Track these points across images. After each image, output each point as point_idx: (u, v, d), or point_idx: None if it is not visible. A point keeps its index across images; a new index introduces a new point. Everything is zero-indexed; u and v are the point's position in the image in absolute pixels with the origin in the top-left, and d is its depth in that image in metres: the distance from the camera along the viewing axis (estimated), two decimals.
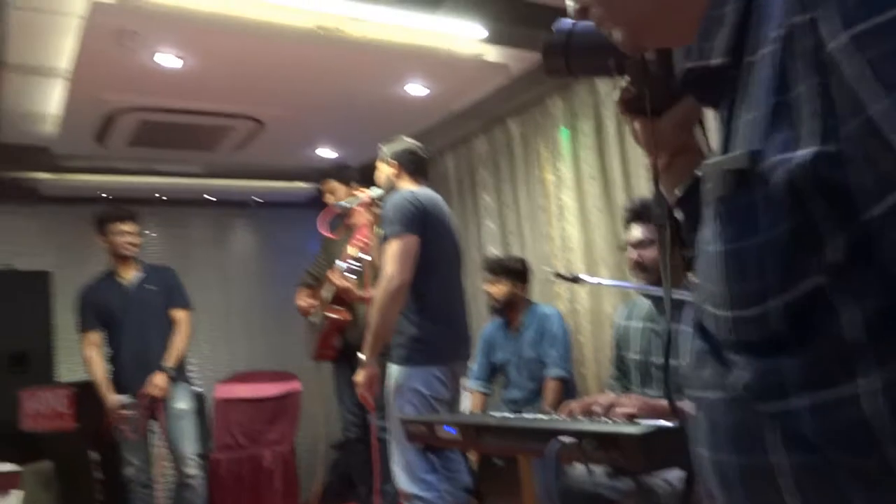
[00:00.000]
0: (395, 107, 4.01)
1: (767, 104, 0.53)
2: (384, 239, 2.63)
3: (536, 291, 3.78)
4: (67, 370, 4.60)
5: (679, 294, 1.97)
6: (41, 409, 3.47)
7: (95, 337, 3.67)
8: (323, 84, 3.67)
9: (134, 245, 3.72)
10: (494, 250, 4.39)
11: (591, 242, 3.72)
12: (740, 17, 0.60)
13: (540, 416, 1.92)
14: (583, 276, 1.84)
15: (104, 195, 4.98)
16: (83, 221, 4.97)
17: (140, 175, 4.82)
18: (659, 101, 0.87)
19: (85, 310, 3.71)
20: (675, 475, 1.75)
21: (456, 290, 2.80)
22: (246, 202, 5.49)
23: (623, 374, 2.28)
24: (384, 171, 2.84)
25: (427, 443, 1.96)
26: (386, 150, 2.86)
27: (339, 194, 3.80)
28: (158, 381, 3.56)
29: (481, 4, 3.12)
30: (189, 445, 3.62)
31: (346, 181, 3.84)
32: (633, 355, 2.17)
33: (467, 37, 3.26)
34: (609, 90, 3.58)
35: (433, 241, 2.62)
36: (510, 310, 3.54)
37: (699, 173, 0.88)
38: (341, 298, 3.63)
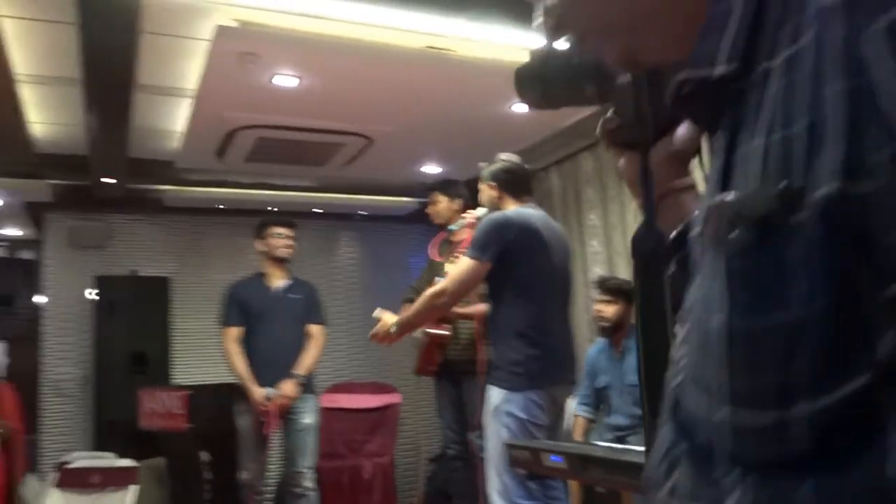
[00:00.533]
0: (502, 124, 4.00)
1: (801, 123, 0.38)
2: None
3: None
4: (182, 373, 4.85)
5: None
6: (157, 408, 3.66)
7: (236, 332, 3.79)
8: (431, 102, 3.71)
9: (289, 248, 3.87)
10: (599, 271, 4.29)
11: None
12: (753, 7, 0.44)
13: None
14: None
15: (221, 207, 5.24)
16: (201, 231, 5.28)
17: (255, 189, 5.03)
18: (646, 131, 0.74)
19: (231, 305, 3.85)
20: None
21: (558, 311, 2.73)
22: (352, 215, 5.64)
23: None
24: (486, 192, 2.81)
25: (530, 470, 1.93)
26: (484, 172, 2.83)
27: (441, 207, 3.83)
28: (289, 389, 3.64)
29: None
30: (308, 459, 3.67)
31: (451, 195, 3.86)
32: None
33: None
34: None
35: (526, 263, 2.57)
36: (617, 332, 3.45)
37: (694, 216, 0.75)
38: (442, 315, 3.64)
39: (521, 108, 3.82)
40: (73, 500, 3.62)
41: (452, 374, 3.69)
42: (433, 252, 3.58)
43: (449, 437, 3.76)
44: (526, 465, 1.90)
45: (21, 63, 3.29)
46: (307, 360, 3.76)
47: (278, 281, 3.91)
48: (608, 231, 4.27)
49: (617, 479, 1.62)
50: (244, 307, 3.81)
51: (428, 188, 3.95)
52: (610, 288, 3.46)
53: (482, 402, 3.20)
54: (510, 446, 1.98)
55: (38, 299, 5.06)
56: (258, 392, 3.61)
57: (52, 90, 3.61)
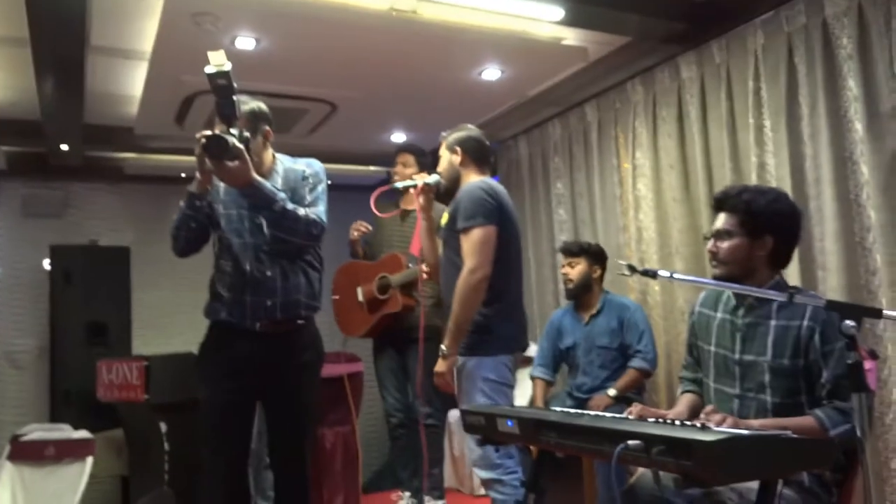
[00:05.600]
0: (470, 91, 3.94)
1: None
2: (456, 230, 2.56)
3: (608, 282, 3.67)
4: (142, 343, 4.77)
5: (763, 292, 1.84)
6: (115, 379, 3.58)
7: None
8: (397, 67, 3.63)
9: None
10: (565, 240, 4.27)
11: (667, 234, 3.56)
12: None
13: (604, 413, 1.83)
14: (661, 271, 1.73)
15: (183, 175, 5.12)
16: (162, 200, 5.15)
17: None
18: None
19: None
20: (748, 487, 1.63)
21: (521, 280, 2.75)
22: None
23: (696, 363, 2.16)
24: (447, 158, 2.77)
25: (485, 435, 1.90)
26: (450, 138, 2.79)
27: (412, 171, 3.77)
28: None
29: None
30: None
31: (421, 162, 3.80)
32: (711, 347, 2.06)
33: (544, 18, 3.16)
34: (692, 75, 3.41)
35: (505, 233, 2.58)
36: (584, 293, 3.49)
37: None
38: (411, 285, 3.58)
39: (489, 74, 3.77)
40: (26, 474, 3.54)
41: (398, 340, 3.63)
42: (373, 203, 3.26)
43: (392, 406, 3.72)
44: (480, 430, 1.88)
45: None
46: None
47: None
48: (575, 199, 4.25)
49: (571, 444, 1.60)
50: None
51: (399, 150, 3.87)
52: (571, 248, 3.53)
53: (424, 369, 3.15)
54: (465, 412, 1.95)
55: None
56: None
57: (0, 51, 3.46)
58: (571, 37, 3.45)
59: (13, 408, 4.64)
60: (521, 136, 4.73)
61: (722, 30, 3.24)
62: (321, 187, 2.61)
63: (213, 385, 2.49)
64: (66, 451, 3.60)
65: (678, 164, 3.50)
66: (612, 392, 3.27)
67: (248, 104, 2.51)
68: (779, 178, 2.97)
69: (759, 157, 3.06)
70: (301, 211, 2.45)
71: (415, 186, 2.81)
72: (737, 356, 1.98)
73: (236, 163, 2.26)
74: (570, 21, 3.19)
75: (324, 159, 2.79)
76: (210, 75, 2.23)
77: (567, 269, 3.52)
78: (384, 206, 3.55)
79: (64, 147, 4.48)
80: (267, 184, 2.39)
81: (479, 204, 2.51)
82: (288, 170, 2.60)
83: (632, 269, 1.70)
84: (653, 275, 1.74)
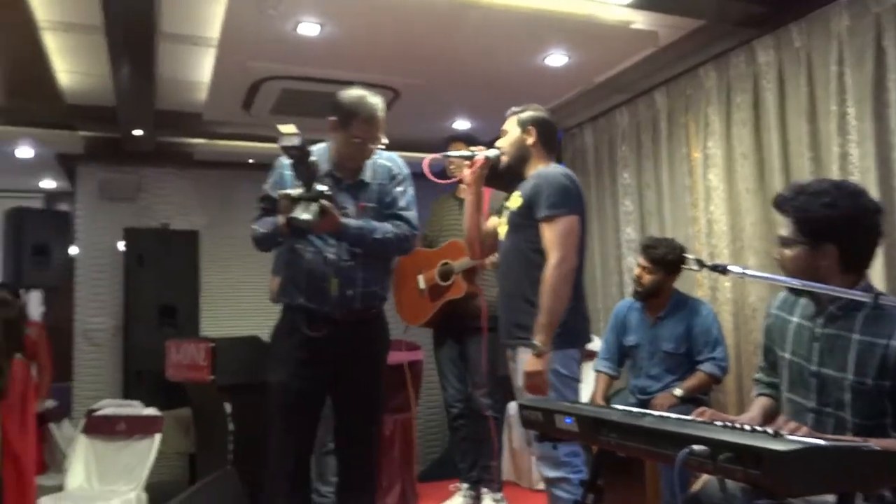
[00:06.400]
0: (535, 77, 3.86)
1: None
2: (537, 217, 2.45)
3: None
4: (210, 325, 4.90)
5: (845, 292, 1.71)
6: (183, 360, 3.68)
7: None
8: (460, 53, 3.58)
9: None
10: (631, 231, 4.16)
11: (739, 227, 3.41)
12: None
13: (668, 414, 1.75)
14: (732, 267, 1.61)
15: (251, 161, 5.21)
16: (230, 185, 5.26)
17: None
18: None
19: None
20: (823, 499, 1.53)
21: (583, 273, 2.66)
22: None
23: (771, 368, 2.03)
24: (517, 136, 2.62)
25: (542, 431, 1.85)
26: (524, 115, 2.64)
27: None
28: None
29: None
30: None
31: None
32: (787, 354, 1.93)
33: (613, 1, 3.05)
34: (770, 60, 3.24)
35: (582, 225, 2.51)
36: (651, 297, 3.34)
37: None
38: (473, 271, 3.55)
39: (555, 60, 3.68)
40: (98, 447, 3.69)
41: (457, 330, 3.60)
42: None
43: (453, 396, 3.70)
44: (538, 426, 1.83)
45: (43, 9, 3.25)
46: None
47: None
48: (642, 189, 4.12)
49: (633, 445, 1.54)
50: None
51: (453, 138, 3.82)
52: (653, 257, 3.29)
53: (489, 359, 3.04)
54: (522, 406, 1.90)
55: (72, 250, 5.13)
56: None
57: (77, 37, 3.57)
58: (641, 20, 3.33)
59: (90, 383, 4.85)
60: (586, 124, 4.62)
61: (802, 12, 3.06)
62: (411, 190, 2.67)
63: (287, 370, 2.51)
64: (136, 427, 3.73)
65: (752, 154, 3.35)
66: (678, 392, 3.13)
67: (380, 108, 2.58)
68: (863, 169, 2.80)
69: (842, 146, 2.89)
70: (390, 232, 2.52)
71: (471, 158, 2.67)
72: (814, 367, 1.83)
73: (321, 219, 2.35)
74: (640, 4, 3.08)
75: (387, 146, 2.77)
76: (284, 147, 2.31)
77: (640, 272, 3.32)
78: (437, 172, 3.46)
79: (137, 132, 4.61)
80: (353, 222, 2.46)
81: (564, 192, 2.43)
82: (374, 163, 2.65)
83: (700, 263, 1.62)
84: (722, 270, 1.65)
